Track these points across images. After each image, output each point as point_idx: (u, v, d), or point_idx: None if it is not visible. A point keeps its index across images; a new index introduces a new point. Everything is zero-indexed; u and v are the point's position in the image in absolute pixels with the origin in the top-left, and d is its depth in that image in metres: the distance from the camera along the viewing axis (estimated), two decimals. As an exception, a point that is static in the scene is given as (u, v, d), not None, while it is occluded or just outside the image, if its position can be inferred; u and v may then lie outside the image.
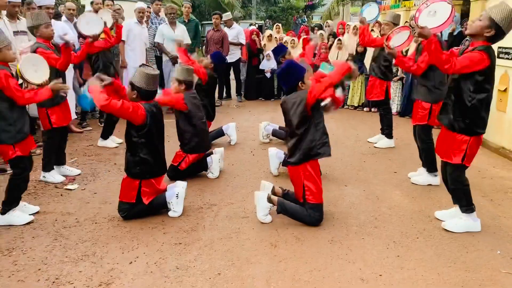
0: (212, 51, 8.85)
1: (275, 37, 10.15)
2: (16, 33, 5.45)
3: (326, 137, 3.57)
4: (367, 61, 8.19)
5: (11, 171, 3.72)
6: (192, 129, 4.62)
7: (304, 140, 3.50)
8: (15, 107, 3.54)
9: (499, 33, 3.20)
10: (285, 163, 4.70)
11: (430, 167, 4.63)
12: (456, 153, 3.43)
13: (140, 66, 3.72)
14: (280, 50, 6.16)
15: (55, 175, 4.64)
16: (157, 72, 3.74)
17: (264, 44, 9.98)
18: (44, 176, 4.61)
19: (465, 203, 3.53)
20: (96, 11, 7.20)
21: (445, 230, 3.55)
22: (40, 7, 6.17)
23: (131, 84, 3.62)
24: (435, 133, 4.18)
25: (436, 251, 3.24)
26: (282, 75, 3.63)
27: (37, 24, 4.35)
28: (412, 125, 4.80)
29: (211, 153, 4.86)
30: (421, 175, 4.72)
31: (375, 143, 6.19)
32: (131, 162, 3.65)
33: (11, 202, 3.65)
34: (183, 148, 4.68)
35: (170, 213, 3.78)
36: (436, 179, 4.58)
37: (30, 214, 3.75)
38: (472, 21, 3.45)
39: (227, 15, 9.52)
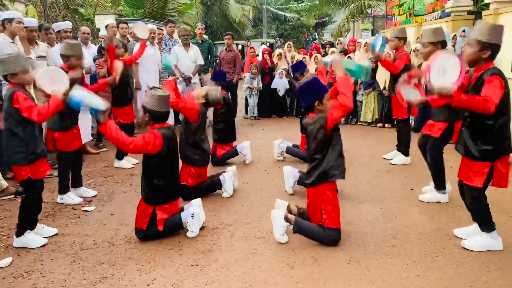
0: (225, 71, 8.96)
1: (285, 56, 10.24)
2: (34, 58, 5.56)
3: (342, 159, 3.54)
4: (379, 77, 8.21)
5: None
6: (194, 143, 4.66)
7: (321, 163, 3.48)
8: (27, 128, 3.53)
9: (495, 49, 3.20)
10: (301, 182, 4.69)
11: (438, 185, 4.49)
12: (477, 176, 3.33)
13: (150, 89, 3.77)
14: (298, 67, 6.02)
15: (72, 197, 4.68)
16: (168, 93, 3.79)
17: (276, 63, 10.07)
18: (61, 198, 4.66)
19: (485, 222, 3.46)
20: (112, 35, 7.39)
21: (465, 248, 3.49)
22: (58, 31, 6.35)
23: (143, 107, 3.67)
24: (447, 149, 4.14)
25: (456, 270, 3.18)
26: (303, 90, 3.57)
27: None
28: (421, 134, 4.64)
29: (223, 171, 4.88)
30: (429, 192, 4.62)
31: (391, 159, 6.14)
32: (146, 186, 3.69)
33: (25, 224, 3.66)
34: (184, 161, 4.68)
35: (188, 233, 3.78)
36: (445, 197, 4.49)
37: (48, 236, 3.78)
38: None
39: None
